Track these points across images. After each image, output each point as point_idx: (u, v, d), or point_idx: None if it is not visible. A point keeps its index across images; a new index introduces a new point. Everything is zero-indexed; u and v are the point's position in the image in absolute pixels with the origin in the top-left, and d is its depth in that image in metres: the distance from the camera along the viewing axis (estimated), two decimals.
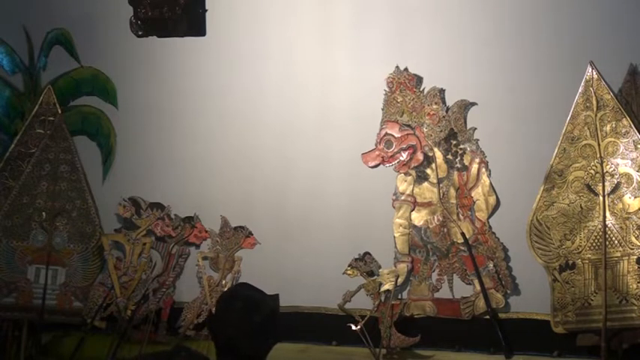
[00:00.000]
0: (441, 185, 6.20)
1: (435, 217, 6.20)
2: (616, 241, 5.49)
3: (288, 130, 6.66)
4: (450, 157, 6.20)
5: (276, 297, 3.12)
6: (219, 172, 6.82)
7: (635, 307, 5.39)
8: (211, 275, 6.72)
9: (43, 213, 6.76)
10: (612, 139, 5.55)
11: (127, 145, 7.18)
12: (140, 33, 5.94)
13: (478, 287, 6.00)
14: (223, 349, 2.99)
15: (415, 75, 6.31)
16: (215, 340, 3.03)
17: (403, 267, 6.23)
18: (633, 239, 5.45)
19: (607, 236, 5.49)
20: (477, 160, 6.11)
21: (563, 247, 5.63)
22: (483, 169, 6.09)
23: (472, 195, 6.10)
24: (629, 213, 5.47)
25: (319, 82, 6.61)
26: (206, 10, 5.94)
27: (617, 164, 5.53)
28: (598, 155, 5.56)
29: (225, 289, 6.57)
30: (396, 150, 6.31)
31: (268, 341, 3.02)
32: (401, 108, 6.33)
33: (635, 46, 5.74)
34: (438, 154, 6.22)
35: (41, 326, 6.69)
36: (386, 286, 6.18)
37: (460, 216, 6.12)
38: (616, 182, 5.52)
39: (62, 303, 6.73)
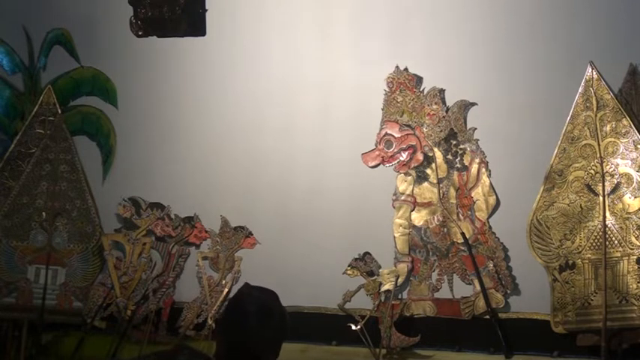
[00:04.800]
0: (441, 185, 6.20)
1: (435, 217, 6.20)
2: (616, 241, 5.49)
3: (288, 131, 6.66)
4: (450, 157, 6.20)
5: (276, 296, 3.12)
6: (219, 172, 6.83)
7: (635, 307, 5.40)
8: (211, 275, 6.73)
9: (43, 213, 6.78)
10: (612, 139, 5.56)
11: (127, 145, 7.18)
12: (140, 33, 5.92)
13: (478, 287, 6.00)
14: (235, 352, 2.98)
15: (415, 75, 6.31)
16: (227, 344, 3.01)
17: (403, 267, 6.23)
18: (633, 239, 5.45)
19: (607, 236, 5.49)
20: (477, 160, 6.11)
21: (563, 247, 5.64)
22: (483, 169, 6.09)
23: (472, 195, 6.11)
24: (629, 213, 5.47)
25: (319, 82, 6.61)
26: (206, 10, 5.92)
27: (617, 164, 5.53)
28: (598, 155, 5.57)
29: (226, 289, 6.58)
30: (396, 150, 6.31)
31: (281, 341, 3.04)
32: (401, 108, 6.33)
33: (635, 46, 5.74)
34: (438, 154, 6.22)
35: (41, 326, 6.69)
36: (386, 286, 6.19)
37: (460, 216, 6.12)
38: (616, 182, 5.53)
39: (62, 303, 6.75)
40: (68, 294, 6.77)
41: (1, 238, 6.81)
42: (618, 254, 5.49)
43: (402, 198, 6.30)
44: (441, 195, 6.18)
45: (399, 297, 6.24)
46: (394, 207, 6.32)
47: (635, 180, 5.48)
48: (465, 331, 6.07)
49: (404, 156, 6.30)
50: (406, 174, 6.31)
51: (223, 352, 2.97)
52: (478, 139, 6.14)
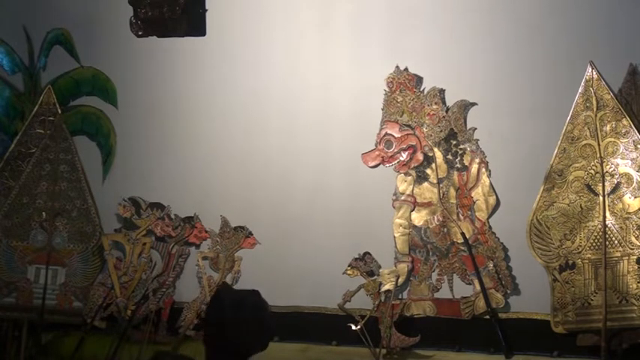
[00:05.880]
0: (441, 185, 6.20)
1: (435, 217, 6.20)
2: (616, 241, 5.49)
3: (288, 131, 6.66)
4: (450, 157, 6.20)
5: (255, 292, 3.16)
6: (219, 172, 6.83)
7: (635, 307, 5.40)
8: (211, 275, 6.73)
9: (43, 213, 6.77)
10: (612, 139, 5.55)
11: (127, 145, 7.18)
12: (140, 33, 5.92)
13: (478, 287, 6.00)
14: (218, 348, 3.03)
15: (415, 75, 6.31)
16: (210, 341, 3.06)
17: (403, 267, 6.23)
18: (633, 239, 5.45)
19: (607, 236, 5.49)
20: (477, 160, 6.11)
21: (563, 247, 5.64)
22: (483, 169, 6.09)
23: (472, 195, 6.10)
24: (629, 213, 5.47)
25: (319, 82, 6.61)
26: (206, 10, 5.92)
27: (617, 164, 5.53)
28: (598, 155, 5.56)
29: None
30: (396, 150, 6.31)
31: (263, 332, 3.07)
32: (401, 108, 6.33)
33: (635, 46, 5.74)
34: (438, 154, 6.22)
35: (41, 326, 6.69)
36: (386, 286, 6.18)
37: (460, 216, 6.12)
38: (616, 182, 5.53)
39: (62, 303, 6.75)
40: (68, 294, 6.77)
41: (1, 238, 6.81)
42: (618, 254, 5.49)
43: (402, 198, 6.30)
44: (441, 195, 6.18)
45: (399, 297, 6.24)
46: (394, 207, 6.32)
47: (635, 180, 5.48)
48: (465, 331, 6.07)
49: (404, 156, 6.30)
50: (406, 174, 6.31)
51: (210, 350, 3.02)
52: (478, 139, 6.13)
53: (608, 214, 5.51)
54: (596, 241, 5.55)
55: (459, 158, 6.18)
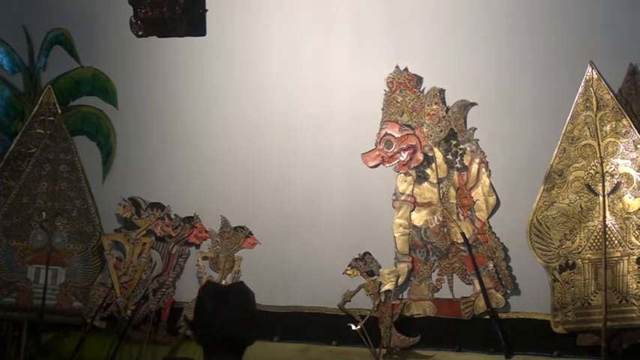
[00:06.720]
0: (441, 185, 6.20)
1: (435, 217, 6.20)
2: (616, 241, 5.49)
3: (287, 131, 6.66)
4: (450, 157, 6.20)
5: (240, 284, 3.20)
6: (219, 172, 6.83)
7: (635, 307, 5.39)
8: (211, 275, 6.73)
9: (43, 213, 6.78)
10: (612, 139, 5.55)
11: (127, 145, 7.18)
12: (140, 33, 5.93)
13: (478, 287, 6.00)
14: (207, 344, 3.05)
15: (415, 75, 6.31)
16: (198, 339, 3.09)
17: (404, 267, 6.23)
18: (633, 239, 5.45)
19: (607, 236, 5.49)
20: (477, 160, 6.11)
21: (563, 247, 5.64)
22: (483, 169, 6.09)
23: (472, 195, 6.10)
24: (629, 213, 5.47)
25: (319, 82, 6.61)
26: (206, 10, 5.93)
27: (617, 164, 5.53)
28: (598, 155, 5.56)
29: None
30: (396, 150, 6.31)
31: (249, 323, 3.09)
32: (401, 108, 6.33)
33: (635, 46, 5.74)
34: (438, 154, 6.22)
35: (41, 326, 6.69)
36: (386, 286, 6.18)
37: (460, 216, 6.12)
38: (616, 182, 5.53)
39: (62, 303, 6.76)
40: (68, 294, 6.78)
41: (1, 238, 6.82)
42: (618, 254, 5.49)
43: (402, 198, 6.30)
44: (441, 195, 6.18)
45: (399, 297, 6.23)
46: (394, 207, 6.31)
47: (635, 180, 5.48)
48: (465, 331, 6.07)
49: (404, 156, 6.30)
50: (406, 174, 6.31)
51: (204, 351, 3.04)
52: (478, 139, 6.13)
53: (608, 214, 5.51)
54: (596, 241, 5.55)
55: (459, 158, 6.18)
